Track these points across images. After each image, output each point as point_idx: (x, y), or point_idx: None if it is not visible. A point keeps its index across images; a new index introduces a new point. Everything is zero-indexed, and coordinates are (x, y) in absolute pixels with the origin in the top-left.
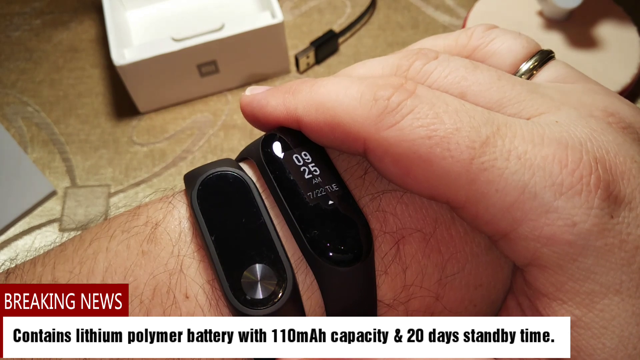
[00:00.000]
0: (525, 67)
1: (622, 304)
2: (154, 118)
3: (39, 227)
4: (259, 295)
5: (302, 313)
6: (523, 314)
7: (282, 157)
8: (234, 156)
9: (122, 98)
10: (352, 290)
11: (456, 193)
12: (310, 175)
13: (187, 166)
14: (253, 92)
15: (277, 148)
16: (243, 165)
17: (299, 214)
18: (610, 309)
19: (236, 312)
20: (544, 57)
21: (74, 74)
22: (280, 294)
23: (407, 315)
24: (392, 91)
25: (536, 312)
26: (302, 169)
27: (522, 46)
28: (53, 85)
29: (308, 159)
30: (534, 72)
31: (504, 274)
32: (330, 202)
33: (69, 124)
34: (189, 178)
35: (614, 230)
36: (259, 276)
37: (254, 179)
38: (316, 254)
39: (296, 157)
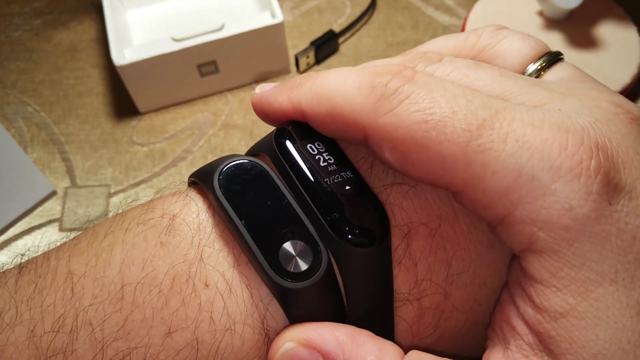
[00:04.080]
0: (532, 67)
1: (617, 294)
2: (154, 118)
3: (39, 227)
4: (299, 268)
5: (337, 286)
6: (515, 305)
7: (296, 147)
8: None
9: (122, 98)
10: (371, 272)
11: (454, 177)
12: (326, 163)
13: (187, 166)
14: (262, 90)
15: (289, 139)
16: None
17: (317, 199)
18: (605, 298)
19: (277, 287)
20: (552, 58)
21: (74, 74)
22: (318, 267)
23: (420, 312)
24: (389, 77)
25: (529, 302)
26: (317, 157)
27: (530, 47)
28: (53, 85)
29: (322, 149)
30: (542, 72)
31: (506, 273)
32: (347, 187)
33: (69, 124)
34: (202, 173)
35: (612, 218)
36: (295, 252)
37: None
38: (336, 236)
39: (310, 147)
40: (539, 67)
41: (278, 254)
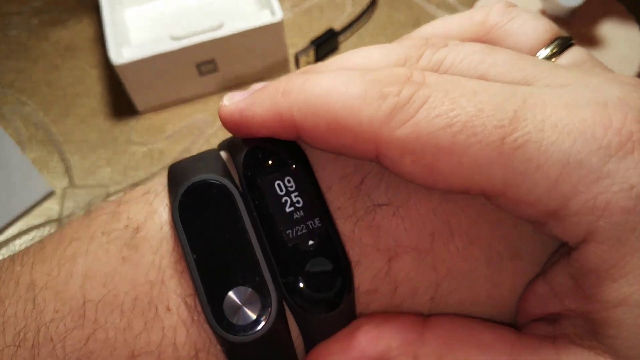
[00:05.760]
0: (544, 53)
1: None
2: (152, 117)
3: (37, 227)
4: (242, 320)
5: (288, 339)
6: (557, 297)
7: (263, 185)
8: None
9: (121, 97)
10: (330, 333)
11: (491, 180)
12: (292, 209)
13: None
14: (233, 100)
15: (259, 171)
16: (227, 155)
17: (277, 255)
18: None
19: (217, 336)
20: (565, 42)
21: (72, 73)
22: (263, 321)
23: None
24: (399, 86)
25: (578, 293)
26: (283, 199)
27: (544, 29)
28: (51, 85)
29: (291, 187)
30: (553, 58)
31: (504, 290)
32: (310, 242)
33: (67, 124)
34: (173, 177)
35: None
36: (242, 300)
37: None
38: (292, 299)
39: (278, 185)
40: (550, 53)
41: (223, 300)
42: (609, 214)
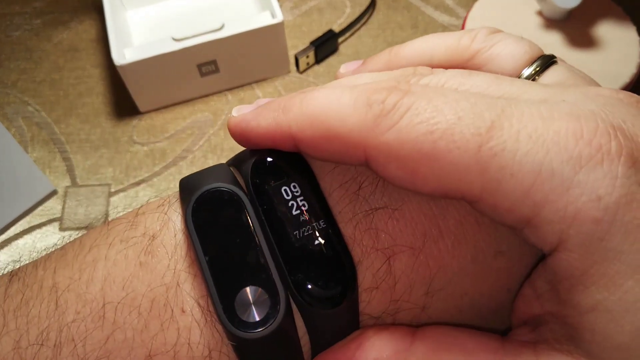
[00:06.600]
0: (527, 72)
1: None
2: (154, 117)
3: (39, 226)
4: (252, 318)
5: (295, 336)
6: (539, 300)
7: (271, 191)
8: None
9: (123, 97)
10: (336, 329)
11: (470, 186)
12: (298, 211)
13: (188, 165)
14: (240, 112)
15: (266, 179)
16: (234, 170)
17: (285, 255)
18: (635, 291)
19: (228, 334)
20: (546, 61)
21: (75, 73)
22: (273, 318)
23: (394, 325)
24: (386, 94)
25: (555, 297)
26: (290, 203)
27: (524, 51)
28: (53, 85)
29: (297, 192)
30: (536, 77)
31: (489, 283)
32: (316, 242)
33: (69, 124)
34: (185, 188)
35: None
36: (252, 299)
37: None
38: (300, 296)
39: (285, 190)
40: (533, 71)
41: (234, 299)
42: (579, 224)
